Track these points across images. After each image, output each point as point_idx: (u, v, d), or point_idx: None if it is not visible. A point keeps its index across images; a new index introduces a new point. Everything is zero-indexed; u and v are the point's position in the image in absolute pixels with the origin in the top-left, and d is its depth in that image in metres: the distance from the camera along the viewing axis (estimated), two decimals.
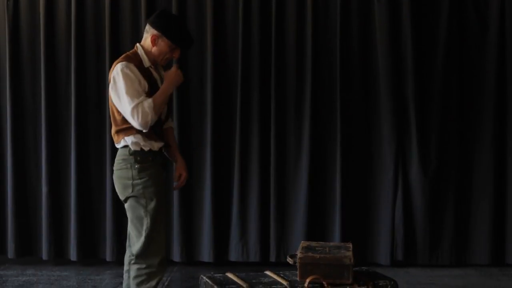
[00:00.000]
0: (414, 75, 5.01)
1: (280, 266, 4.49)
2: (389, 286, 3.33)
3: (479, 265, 5.06)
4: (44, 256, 5.10)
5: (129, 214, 3.28)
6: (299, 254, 3.30)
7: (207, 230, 5.05)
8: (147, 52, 3.30)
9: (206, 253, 5.06)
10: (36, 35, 5.10)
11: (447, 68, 5.05)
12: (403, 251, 5.04)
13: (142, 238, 3.20)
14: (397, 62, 5.03)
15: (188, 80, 4.94)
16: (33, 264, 5.13)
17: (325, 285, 3.20)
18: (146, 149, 3.24)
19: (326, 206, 5.07)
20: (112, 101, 3.25)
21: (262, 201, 5.04)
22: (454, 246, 5.06)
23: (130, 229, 3.28)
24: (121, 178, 3.27)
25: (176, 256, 5.07)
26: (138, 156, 3.23)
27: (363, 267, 3.65)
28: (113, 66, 3.26)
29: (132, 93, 3.14)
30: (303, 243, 3.52)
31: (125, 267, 3.43)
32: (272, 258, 5.05)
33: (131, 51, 3.34)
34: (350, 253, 3.30)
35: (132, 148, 3.23)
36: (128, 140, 3.23)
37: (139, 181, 3.21)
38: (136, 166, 3.21)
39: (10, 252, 5.12)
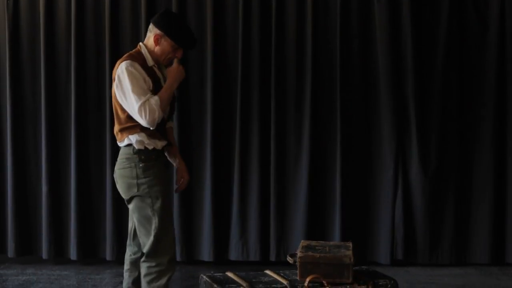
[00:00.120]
0: (414, 75, 5.01)
1: (280, 265, 4.49)
2: (389, 286, 3.33)
3: (479, 264, 5.06)
4: (44, 255, 5.10)
5: (135, 215, 3.28)
6: (299, 253, 3.30)
7: (207, 229, 5.05)
8: (150, 51, 3.31)
9: (206, 252, 5.06)
10: (36, 34, 5.10)
11: (447, 68, 5.05)
12: (403, 250, 5.04)
13: (151, 237, 3.21)
14: (397, 61, 5.03)
15: (188, 79, 4.94)
16: (33, 263, 5.13)
17: (325, 284, 3.21)
18: (150, 147, 3.25)
19: (326, 205, 5.07)
20: (116, 100, 3.25)
21: (262, 200, 5.05)
22: (454, 245, 5.06)
23: (138, 229, 3.28)
24: (125, 177, 3.27)
25: (176, 255, 5.06)
26: (142, 154, 3.23)
27: (363, 266, 3.65)
28: (117, 65, 3.26)
29: (138, 91, 3.15)
30: (303, 242, 3.52)
31: (125, 266, 3.44)
32: (272, 257, 5.05)
33: (134, 50, 3.35)
34: (350, 252, 3.30)
35: (136, 146, 3.23)
36: (132, 138, 3.23)
37: (144, 180, 3.22)
38: (141, 165, 3.22)
39: (10, 251, 5.12)
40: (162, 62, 3.35)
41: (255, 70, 5.04)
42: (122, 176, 3.29)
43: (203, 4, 5.06)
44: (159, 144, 3.29)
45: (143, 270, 3.27)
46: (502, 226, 5.06)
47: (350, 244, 3.48)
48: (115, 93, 3.24)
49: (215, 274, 3.46)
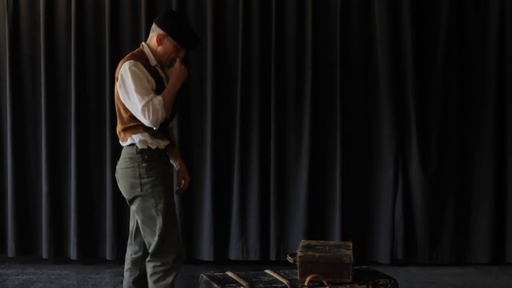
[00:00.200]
0: (414, 74, 5.01)
1: (280, 264, 4.49)
2: (389, 285, 3.33)
3: (479, 264, 5.07)
4: (44, 254, 5.10)
5: (139, 215, 3.28)
6: (299, 253, 3.30)
7: (207, 229, 5.05)
8: (153, 51, 3.31)
9: (206, 252, 5.06)
10: (36, 33, 5.10)
11: (447, 68, 5.05)
12: (403, 249, 5.04)
13: (156, 237, 3.22)
14: (397, 60, 5.03)
15: (188, 78, 4.93)
16: (33, 263, 5.13)
17: (325, 283, 3.21)
18: (153, 147, 3.25)
19: (326, 204, 5.08)
20: (119, 99, 3.25)
21: (262, 199, 5.05)
22: (454, 244, 5.06)
23: (142, 229, 3.28)
24: (128, 177, 3.26)
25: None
26: (146, 154, 3.23)
27: (363, 266, 3.65)
28: (120, 65, 3.26)
29: (141, 91, 3.15)
30: (303, 242, 3.52)
31: (126, 266, 3.44)
32: (272, 257, 5.05)
33: (137, 50, 3.35)
34: (350, 252, 3.30)
35: (140, 146, 3.23)
36: (136, 138, 3.23)
37: (147, 180, 3.22)
38: (144, 164, 3.22)
39: (10, 251, 5.12)
40: (165, 62, 3.35)
41: (255, 68, 5.04)
42: (124, 176, 3.28)
43: (203, 3, 5.06)
44: (162, 144, 3.29)
45: (149, 270, 3.28)
46: (502, 225, 5.06)
47: (350, 244, 3.48)
48: (117, 93, 3.24)
49: (215, 273, 3.46)
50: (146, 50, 3.31)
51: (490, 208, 5.04)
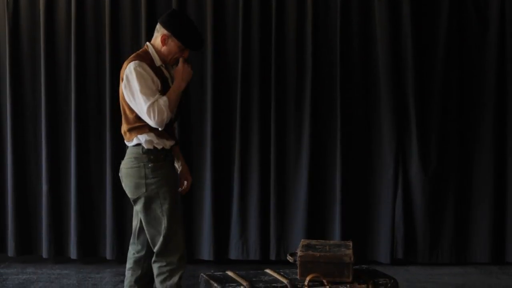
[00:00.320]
0: (414, 74, 5.01)
1: (280, 264, 4.49)
2: (389, 284, 3.33)
3: (479, 263, 5.07)
4: (44, 254, 5.10)
5: (143, 216, 3.28)
6: (299, 252, 3.30)
7: (207, 229, 5.05)
8: (157, 51, 3.31)
9: (206, 251, 5.06)
10: (36, 32, 5.09)
11: (447, 68, 5.05)
12: (403, 249, 5.04)
13: (161, 238, 3.23)
14: (397, 60, 5.03)
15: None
16: (33, 262, 5.13)
17: (325, 283, 3.21)
18: (159, 147, 3.25)
19: (326, 204, 5.08)
20: (124, 100, 3.25)
21: (262, 199, 5.05)
22: (454, 244, 5.06)
23: (147, 229, 3.28)
24: (133, 176, 3.26)
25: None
26: (152, 154, 3.23)
27: (363, 265, 3.65)
28: (124, 65, 3.26)
29: (146, 91, 3.16)
30: (303, 241, 3.52)
31: (128, 265, 3.44)
32: (272, 256, 5.05)
33: (141, 50, 3.35)
34: (350, 251, 3.31)
35: (146, 146, 3.23)
36: (142, 138, 3.24)
37: (152, 180, 3.22)
38: (150, 165, 3.22)
39: (10, 251, 5.11)
40: (169, 62, 3.36)
41: (255, 68, 5.04)
42: (129, 175, 3.28)
43: (203, 3, 5.06)
44: (168, 144, 3.30)
45: (155, 271, 3.29)
46: (502, 225, 5.06)
47: (350, 243, 3.48)
48: (123, 93, 3.24)
49: (215, 273, 3.46)
50: (151, 50, 3.31)
51: (490, 208, 5.04)
